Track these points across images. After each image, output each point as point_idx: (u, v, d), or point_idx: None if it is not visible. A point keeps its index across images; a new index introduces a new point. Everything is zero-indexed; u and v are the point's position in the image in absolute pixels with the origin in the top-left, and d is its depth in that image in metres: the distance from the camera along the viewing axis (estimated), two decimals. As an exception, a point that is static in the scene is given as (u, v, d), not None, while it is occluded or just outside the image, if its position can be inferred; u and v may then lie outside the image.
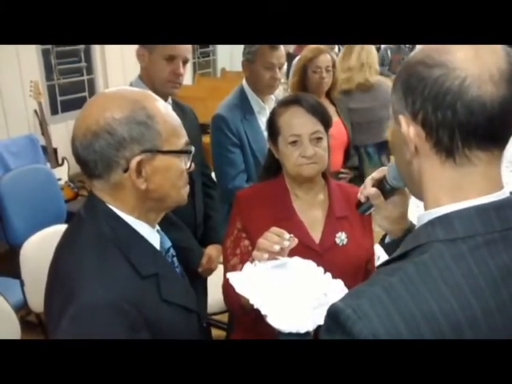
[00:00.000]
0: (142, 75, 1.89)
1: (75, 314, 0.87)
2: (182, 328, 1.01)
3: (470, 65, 0.65)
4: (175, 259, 1.13)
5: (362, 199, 1.02)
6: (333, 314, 0.67)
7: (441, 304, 0.63)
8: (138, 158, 0.93)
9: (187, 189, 1.05)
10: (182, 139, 1.00)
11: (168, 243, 1.11)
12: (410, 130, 0.70)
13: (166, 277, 1.01)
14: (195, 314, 1.09)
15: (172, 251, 1.12)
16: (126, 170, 0.93)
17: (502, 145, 0.70)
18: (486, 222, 0.67)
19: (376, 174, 0.99)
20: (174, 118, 1.00)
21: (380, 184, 0.97)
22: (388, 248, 1.05)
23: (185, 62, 1.85)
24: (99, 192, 0.98)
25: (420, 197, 0.76)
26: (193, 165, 1.04)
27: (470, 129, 0.66)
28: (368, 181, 1.00)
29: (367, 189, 0.99)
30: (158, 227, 1.08)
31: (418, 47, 0.74)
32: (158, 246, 1.04)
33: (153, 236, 1.03)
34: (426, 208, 0.74)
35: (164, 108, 0.99)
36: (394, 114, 0.75)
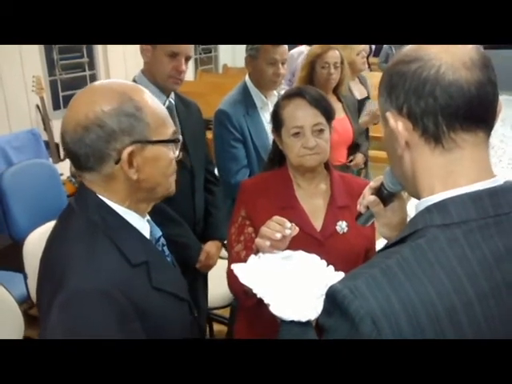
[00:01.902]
0: (145, 70, 1.90)
1: (64, 301, 0.87)
2: (172, 316, 1.02)
3: (443, 55, 0.71)
4: (165, 248, 1.15)
5: (362, 210, 1.04)
6: (331, 294, 0.70)
7: (436, 286, 0.65)
8: (129, 149, 0.94)
9: (174, 177, 1.07)
10: (170, 128, 1.02)
11: (158, 232, 1.12)
12: (398, 124, 0.74)
13: (157, 265, 1.02)
14: (186, 303, 1.11)
15: (162, 240, 1.13)
16: (117, 162, 0.95)
17: (485, 127, 0.73)
18: (480, 207, 0.70)
19: (374, 184, 1.01)
20: (161, 109, 1.02)
21: (378, 191, 0.99)
22: None
23: (187, 58, 1.86)
24: (90, 184, 1.00)
25: (416, 193, 0.78)
26: (180, 154, 1.06)
27: (452, 111, 0.70)
28: (366, 190, 1.02)
29: (366, 198, 1.01)
30: (148, 217, 1.09)
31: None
32: (147, 235, 1.06)
33: (143, 225, 1.05)
34: (421, 198, 0.76)
35: (151, 99, 1.00)
36: (382, 115, 0.79)
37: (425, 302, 0.65)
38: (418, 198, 0.78)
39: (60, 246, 0.97)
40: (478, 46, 0.73)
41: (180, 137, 1.04)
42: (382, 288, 0.66)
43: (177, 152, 1.04)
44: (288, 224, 1.15)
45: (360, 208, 1.04)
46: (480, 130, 0.72)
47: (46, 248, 1.01)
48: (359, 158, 2.86)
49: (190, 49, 1.86)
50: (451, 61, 0.70)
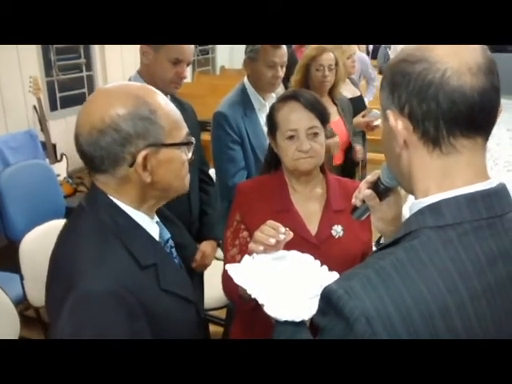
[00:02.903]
0: (142, 71, 1.90)
1: (74, 302, 0.88)
2: (179, 317, 1.02)
3: (449, 59, 0.69)
4: (173, 250, 1.15)
5: (358, 203, 1.04)
6: (326, 295, 0.70)
7: (429, 286, 0.66)
8: (144, 153, 0.94)
9: (189, 177, 1.08)
10: (183, 131, 1.02)
11: (167, 234, 1.12)
12: (398, 123, 0.74)
13: (165, 267, 1.02)
14: (193, 305, 1.11)
15: (171, 242, 1.13)
16: (131, 165, 0.95)
17: (484, 133, 0.73)
18: (474, 209, 0.70)
19: (370, 178, 1.01)
20: (175, 111, 1.02)
21: (374, 186, 1.00)
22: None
23: (188, 64, 1.88)
24: (102, 185, 0.99)
25: (411, 190, 0.79)
26: (193, 156, 1.06)
27: (453, 117, 0.69)
28: (363, 184, 1.02)
29: (362, 191, 1.01)
30: (157, 219, 1.09)
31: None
32: (157, 236, 1.06)
33: (152, 227, 1.05)
34: (416, 199, 0.77)
35: (164, 102, 1.00)
36: (382, 111, 0.79)
37: (418, 302, 0.65)
38: (412, 193, 0.78)
39: (69, 245, 0.97)
40: (485, 48, 0.73)
41: (193, 139, 1.04)
42: (376, 289, 0.67)
43: (189, 154, 1.04)
44: (282, 229, 1.13)
45: (355, 202, 1.04)
46: (479, 136, 0.72)
47: (55, 247, 1.01)
48: (359, 149, 2.80)
49: (191, 55, 1.88)
50: (457, 65, 0.69)
